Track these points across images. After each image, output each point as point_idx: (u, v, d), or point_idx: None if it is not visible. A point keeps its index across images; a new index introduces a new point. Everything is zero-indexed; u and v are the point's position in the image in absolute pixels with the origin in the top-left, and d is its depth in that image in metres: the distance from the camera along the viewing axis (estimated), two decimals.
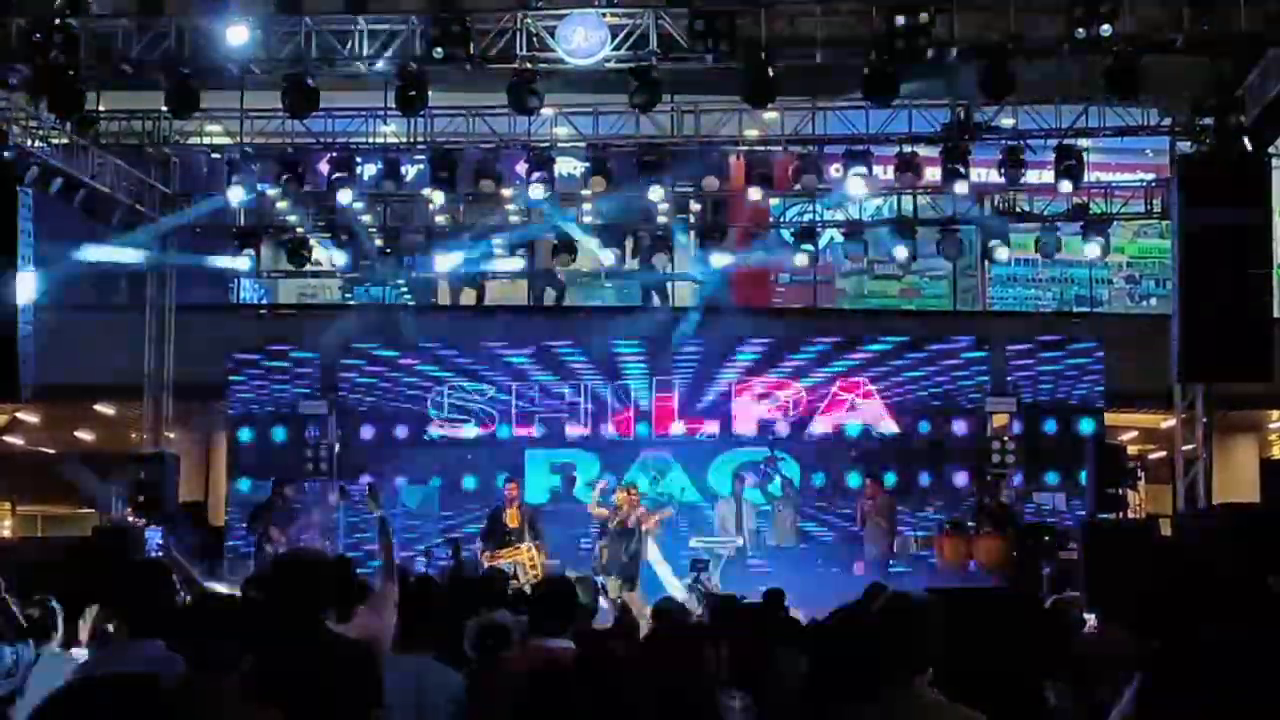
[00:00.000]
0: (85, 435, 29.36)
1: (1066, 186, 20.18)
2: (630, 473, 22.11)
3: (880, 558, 20.47)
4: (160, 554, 18.33)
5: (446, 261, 22.78)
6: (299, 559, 6.58)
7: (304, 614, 6.17)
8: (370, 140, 21.04)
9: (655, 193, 20.99)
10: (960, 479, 23.06)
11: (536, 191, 20.04)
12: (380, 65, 17.46)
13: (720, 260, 23.11)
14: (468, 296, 26.17)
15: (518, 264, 23.29)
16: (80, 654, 8.46)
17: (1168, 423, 23.00)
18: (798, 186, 21.23)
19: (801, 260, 23.24)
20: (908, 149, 20.25)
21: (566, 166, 22.25)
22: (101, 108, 20.42)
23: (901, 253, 22.55)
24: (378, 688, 6.12)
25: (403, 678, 6.49)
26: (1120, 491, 19.76)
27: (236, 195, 20.52)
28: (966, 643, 6.30)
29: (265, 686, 5.41)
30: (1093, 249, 22.20)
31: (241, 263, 22.43)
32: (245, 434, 23.59)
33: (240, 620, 5.43)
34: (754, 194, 21.18)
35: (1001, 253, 22.50)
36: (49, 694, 2.61)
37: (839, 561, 21.48)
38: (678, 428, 23.35)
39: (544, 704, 5.23)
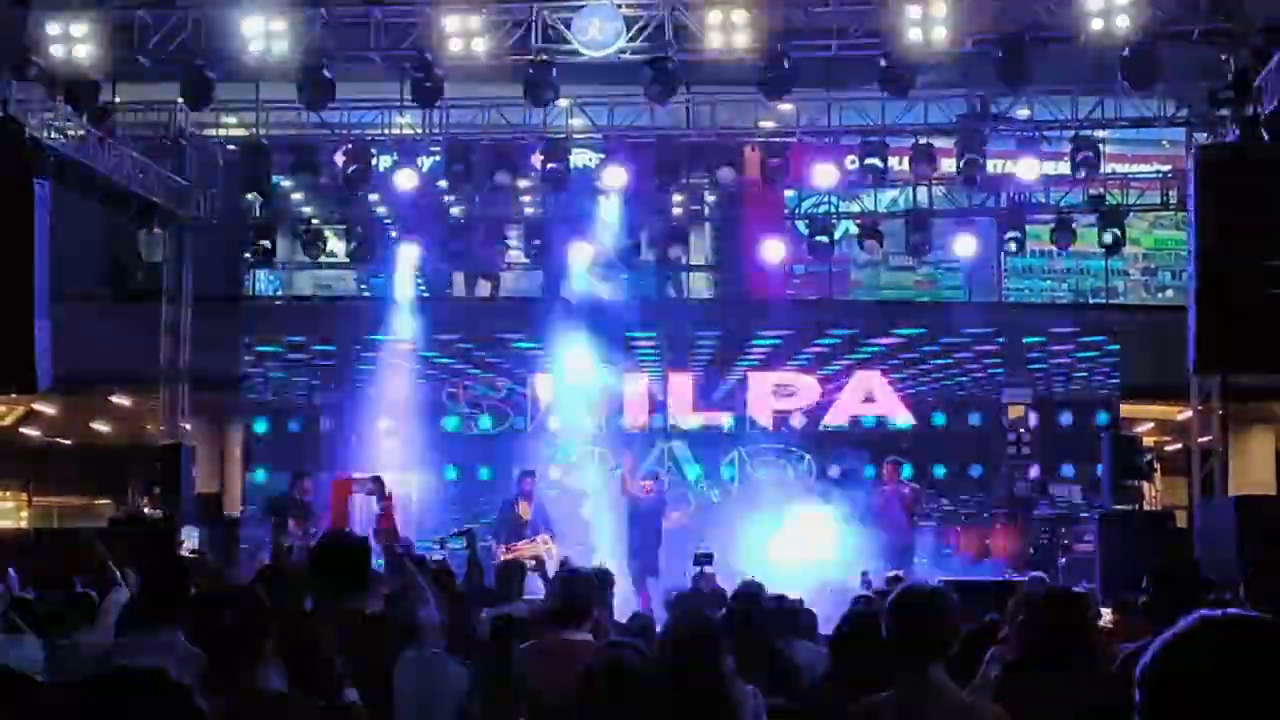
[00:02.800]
0: (101, 427, 29.44)
1: (1082, 176, 20.15)
2: (646, 464, 22.14)
3: (899, 548, 20.38)
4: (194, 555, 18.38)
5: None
6: (344, 541, 6.65)
7: (338, 594, 6.24)
8: (386, 132, 21.05)
9: (670, 184, 20.98)
10: (976, 471, 23.05)
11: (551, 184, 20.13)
12: (396, 56, 17.50)
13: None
14: (483, 288, 26.22)
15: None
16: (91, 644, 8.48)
17: (1184, 414, 22.96)
18: (813, 178, 21.20)
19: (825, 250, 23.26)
20: (923, 140, 20.22)
21: (582, 158, 22.25)
22: (118, 100, 20.45)
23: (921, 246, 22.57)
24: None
25: (409, 672, 6.52)
26: (1136, 483, 19.73)
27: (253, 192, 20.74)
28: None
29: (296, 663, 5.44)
30: (1109, 240, 22.18)
31: None
32: (261, 425, 23.65)
33: (264, 615, 5.45)
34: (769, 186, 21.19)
35: (1013, 245, 22.47)
36: (60, 687, 2.62)
37: (855, 553, 21.43)
38: (693, 419, 23.35)
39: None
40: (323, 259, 23.86)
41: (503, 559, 18.22)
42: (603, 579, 8.52)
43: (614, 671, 5.30)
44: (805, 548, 20.50)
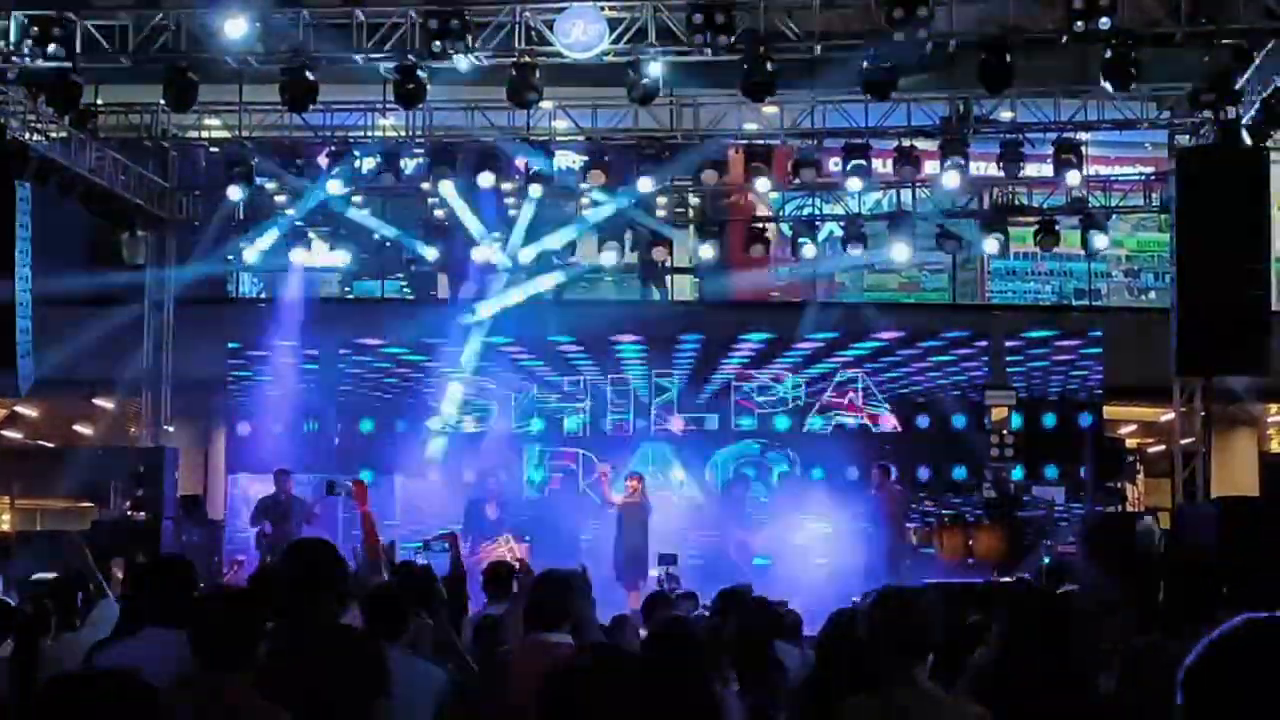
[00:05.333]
0: (84, 429, 29.36)
1: (1069, 179, 20.19)
2: (630, 466, 22.12)
3: (888, 551, 20.36)
4: None
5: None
6: (310, 546, 6.63)
7: (315, 600, 6.22)
8: (369, 134, 21.03)
9: (653, 186, 20.99)
10: (959, 473, 23.06)
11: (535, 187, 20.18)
12: (379, 58, 17.48)
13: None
14: (467, 290, 26.16)
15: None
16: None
17: (1166, 416, 23.01)
18: (796, 180, 21.23)
19: (809, 252, 23.29)
20: (906, 143, 20.25)
21: (565, 160, 22.25)
22: (99, 101, 20.40)
23: (901, 251, 22.58)
24: (385, 677, 6.17)
25: None
26: (1119, 485, 19.76)
27: (236, 193, 20.76)
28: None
29: (275, 672, 5.42)
30: (1092, 242, 22.23)
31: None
32: (244, 428, 23.59)
33: (253, 616, 5.44)
34: (754, 186, 21.18)
35: (992, 245, 22.47)
36: (39, 688, 2.60)
37: (840, 555, 21.44)
38: (676, 422, 23.34)
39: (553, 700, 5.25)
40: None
41: (487, 562, 18.22)
42: (579, 580, 8.47)
43: (586, 672, 5.30)
44: (792, 550, 20.55)
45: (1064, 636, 6.52)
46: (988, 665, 6.28)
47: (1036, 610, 6.56)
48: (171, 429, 23.05)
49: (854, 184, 20.44)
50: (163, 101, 18.35)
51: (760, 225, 23.81)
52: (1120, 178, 23.81)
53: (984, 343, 23.65)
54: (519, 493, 22.23)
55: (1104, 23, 15.82)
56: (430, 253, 23.42)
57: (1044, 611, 6.57)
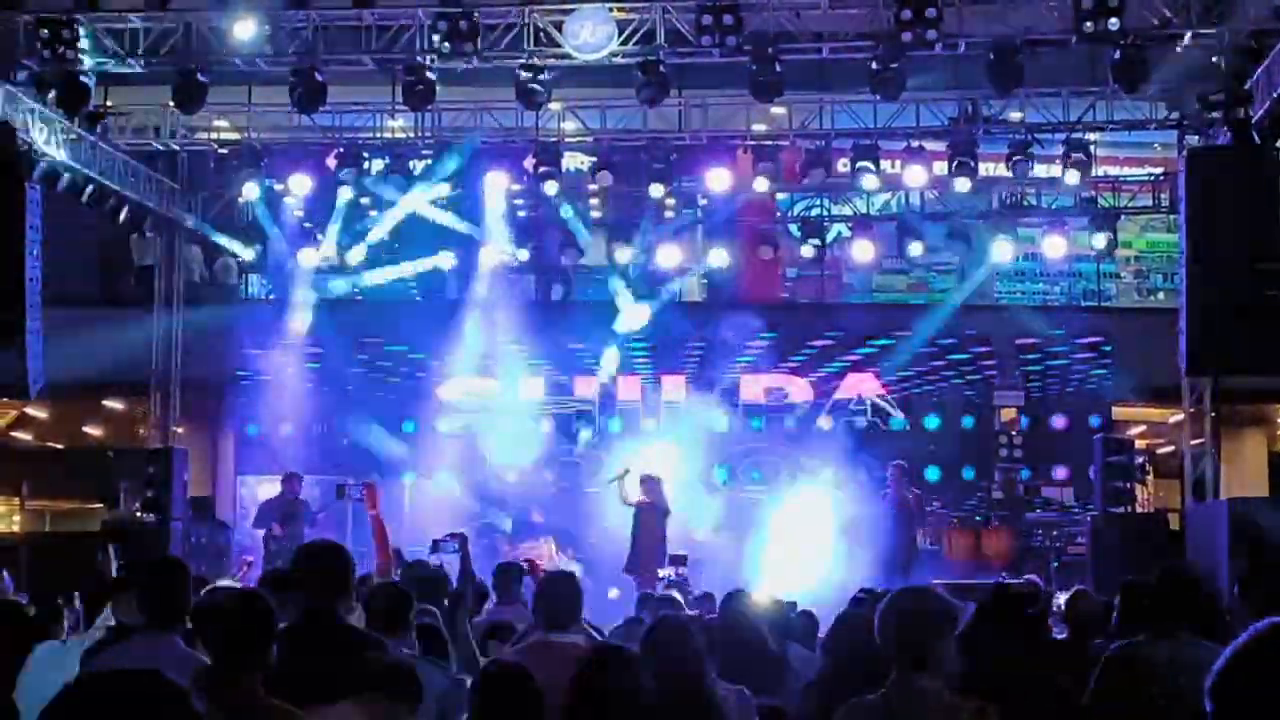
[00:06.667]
0: (93, 431, 29.38)
1: (1074, 179, 20.16)
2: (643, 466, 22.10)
3: (899, 551, 20.29)
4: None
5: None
6: (319, 548, 6.63)
7: (323, 601, 6.23)
8: (378, 135, 21.04)
9: (662, 188, 20.99)
10: (968, 473, 23.04)
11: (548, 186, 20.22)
12: (388, 60, 17.51)
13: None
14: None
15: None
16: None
17: (1175, 417, 22.96)
18: (805, 180, 21.22)
19: (809, 253, 23.28)
20: (915, 143, 20.23)
21: (574, 161, 22.23)
22: (109, 103, 20.42)
23: (915, 248, 22.55)
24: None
25: None
26: (1128, 486, 19.72)
27: (252, 191, 20.80)
28: (979, 637, 6.33)
29: (285, 673, 5.43)
30: (1100, 243, 22.19)
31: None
32: (253, 429, 23.60)
33: (266, 617, 5.45)
34: (761, 187, 21.14)
35: (1006, 249, 22.43)
36: (58, 691, 2.59)
37: (851, 556, 21.38)
38: (685, 422, 23.32)
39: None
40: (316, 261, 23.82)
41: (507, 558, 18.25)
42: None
43: (601, 671, 5.31)
44: (803, 551, 20.49)
45: (1017, 633, 6.54)
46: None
47: (991, 608, 6.58)
48: (180, 430, 23.06)
49: (865, 183, 20.41)
50: (172, 103, 18.38)
51: (768, 226, 23.82)
52: (1129, 178, 23.77)
53: (992, 344, 23.63)
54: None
55: (1113, 23, 15.82)
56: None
57: (997, 609, 6.58)
